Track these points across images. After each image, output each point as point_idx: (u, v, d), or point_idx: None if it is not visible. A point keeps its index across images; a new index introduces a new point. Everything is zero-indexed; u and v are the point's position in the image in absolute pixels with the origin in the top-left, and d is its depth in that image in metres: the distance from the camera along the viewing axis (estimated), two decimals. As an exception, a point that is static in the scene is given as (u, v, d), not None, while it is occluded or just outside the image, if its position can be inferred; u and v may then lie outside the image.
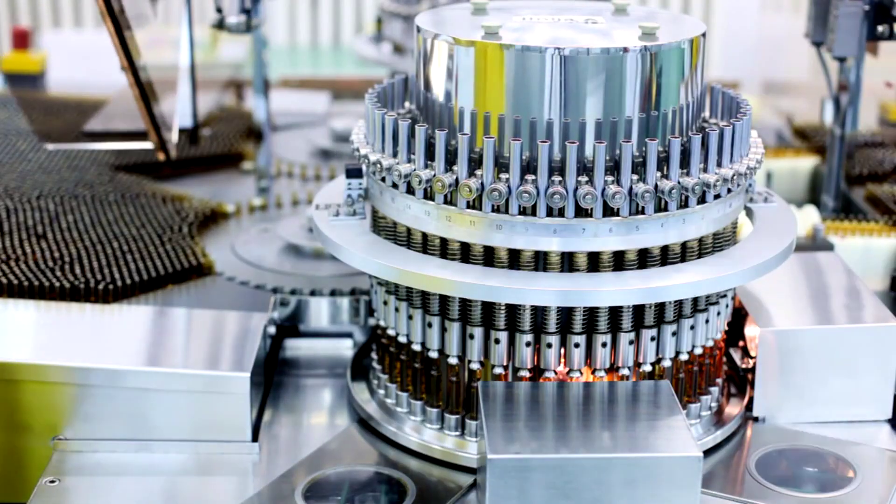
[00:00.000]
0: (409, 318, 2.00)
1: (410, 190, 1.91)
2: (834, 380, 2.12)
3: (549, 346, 1.92)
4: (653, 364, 1.97)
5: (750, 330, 2.16)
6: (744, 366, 2.20)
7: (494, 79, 1.86)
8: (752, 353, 2.13)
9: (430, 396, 2.03)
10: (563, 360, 1.94)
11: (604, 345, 1.92)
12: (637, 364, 1.96)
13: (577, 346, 1.92)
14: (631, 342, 1.94)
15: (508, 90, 1.86)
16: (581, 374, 1.94)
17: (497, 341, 1.93)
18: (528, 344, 1.92)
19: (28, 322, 2.29)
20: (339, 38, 7.46)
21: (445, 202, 1.88)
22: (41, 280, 2.45)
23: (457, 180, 1.84)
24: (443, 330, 1.97)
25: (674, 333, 1.97)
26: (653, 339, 1.95)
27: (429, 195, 1.89)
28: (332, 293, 2.49)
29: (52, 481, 1.94)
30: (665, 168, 1.85)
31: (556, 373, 1.94)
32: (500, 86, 1.86)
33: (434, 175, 1.86)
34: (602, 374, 1.94)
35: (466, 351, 1.96)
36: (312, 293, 2.50)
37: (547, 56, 1.83)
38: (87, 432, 2.04)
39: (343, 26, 7.46)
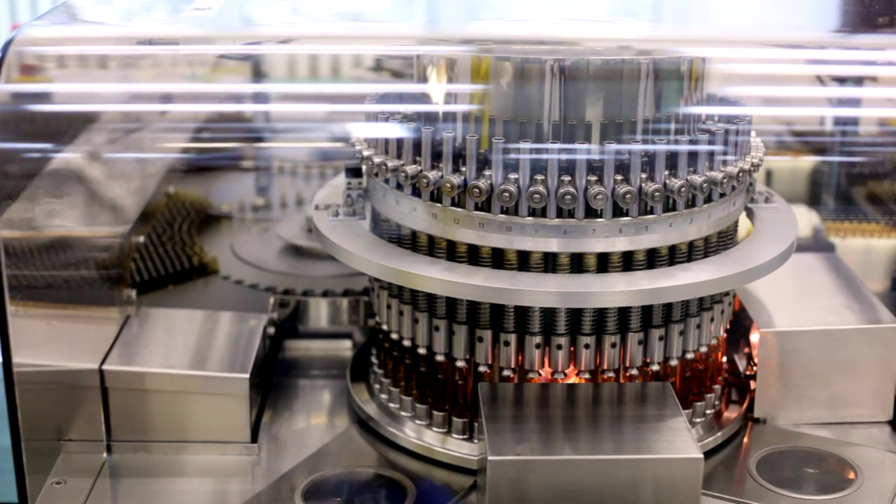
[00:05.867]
0: (415, 321, 1.99)
1: (416, 192, 1.90)
2: (835, 381, 2.12)
3: (559, 347, 1.91)
4: (655, 364, 1.97)
5: (753, 335, 2.15)
6: (748, 373, 2.18)
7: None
8: (756, 360, 2.11)
9: (434, 399, 2.02)
10: (567, 361, 1.94)
11: (613, 345, 1.92)
12: (638, 366, 1.96)
13: (587, 346, 1.92)
14: (640, 342, 1.93)
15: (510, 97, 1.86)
16: (587, 374, 1.94)
17: (507, 343, 1.92)
18: (537, 346, 1.91)
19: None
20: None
21: (452, 204, 1.86)
22: (40, 280, 2.45)
23: (465, 182, 1.84)
24: (450, 333, 1.96)
25: (681, 333, 1.96)
26: (661, 338, 1.95)
27: (435, 197, 1.88)
28: (332, 294, 2.48)
29: (58, 482, 1.95)
30: (671, 168, 1.85)
31: (565, 374, 1.94)
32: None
33: (442, 177, 1.85)
34: (611, 374, 1.94)
35: (474, 354, 1.95)
36: (312, 294, 2.49)
37: (547, 67, 1.83)
38: (91, 433, 2.04)
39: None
